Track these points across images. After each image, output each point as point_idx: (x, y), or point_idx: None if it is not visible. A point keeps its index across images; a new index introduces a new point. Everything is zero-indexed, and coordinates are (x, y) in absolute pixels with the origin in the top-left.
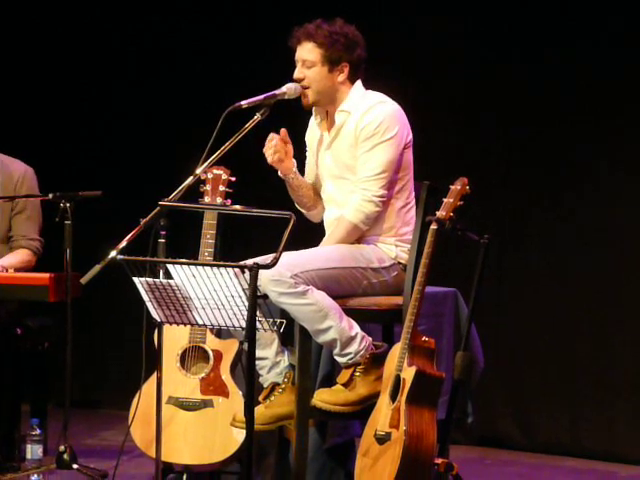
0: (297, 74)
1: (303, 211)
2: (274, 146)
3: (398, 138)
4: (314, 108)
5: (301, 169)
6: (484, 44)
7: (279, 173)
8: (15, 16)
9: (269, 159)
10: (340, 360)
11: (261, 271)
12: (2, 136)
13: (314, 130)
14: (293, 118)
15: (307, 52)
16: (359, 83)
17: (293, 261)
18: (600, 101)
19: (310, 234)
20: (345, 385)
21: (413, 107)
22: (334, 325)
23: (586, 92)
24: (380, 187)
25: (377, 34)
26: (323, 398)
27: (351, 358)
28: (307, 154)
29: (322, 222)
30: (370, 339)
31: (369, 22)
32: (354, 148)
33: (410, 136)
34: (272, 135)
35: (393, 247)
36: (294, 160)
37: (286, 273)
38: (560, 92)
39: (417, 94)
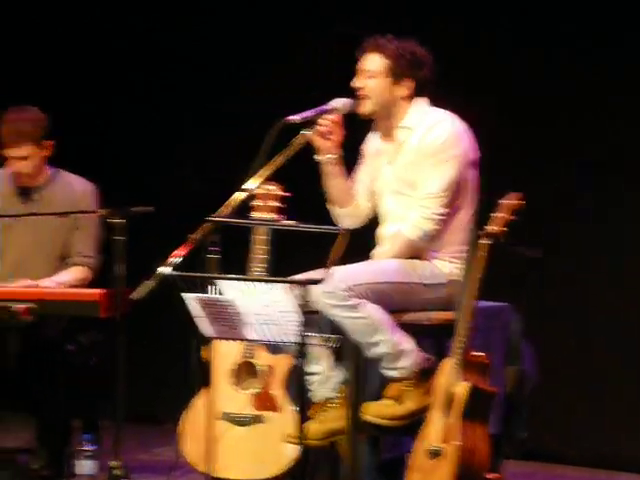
0: (356, 82)
1: (333, 209)
2: (324, 120)
3: (462, 157)
4: (374, 122)
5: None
6: (531, 56)
7: (318, 155)
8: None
9: (320, 129)
10: (389, 374)
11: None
12: (65, 154)
13: (373, 143)
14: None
15: (372, 62)
16: (422, 100)
17: (347, 274)
18: None
19: (361, 249)
20: (394, 399)
21: (469, 122)
22: (385, 339)
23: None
24: (440, 205)
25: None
26: (372, 412)
27: (400, 372)
28: (360, 165)
29: (367, 236)
30: (422, 354)
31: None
32: (415, 165)
33: (476, 154)
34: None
35: (447, 263)
36: (339, 151)
37: (340, 286)
38: (608, 92)
39: (466, 108)
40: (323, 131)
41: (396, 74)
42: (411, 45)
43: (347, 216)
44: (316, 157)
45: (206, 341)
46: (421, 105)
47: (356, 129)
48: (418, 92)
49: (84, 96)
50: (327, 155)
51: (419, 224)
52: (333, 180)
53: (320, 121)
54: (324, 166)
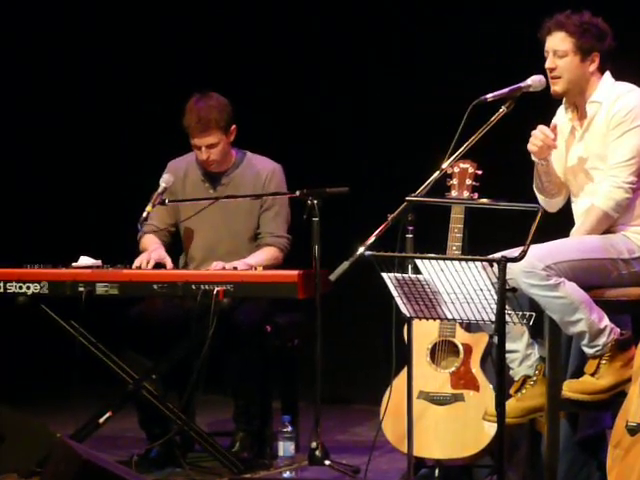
0: (549, 64)
1: (541, 197)
2: (545, 140)
3: None
4: (564, 100)
5: None
6: None
7: (533, 157)
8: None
9: (533, 147)
10: (587, 351)
11: (513, 263)
12: (251, 135)
13: (563, 122)
14: (538, 110)
15: (559, 42)
16: (608, 74)
17: (545, 252)
18: None
19: (557, 226)
20: (592, 375)
21: None
22: (584, 318)
23: None
24: (630, 173)
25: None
26: (571, 388)
27: (599, 350)
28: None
29: (560, 213)
30: (618, 330)
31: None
32: (606, 138)
33: None
34: (544, 128)
35: None
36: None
37: (538, 265)
38: None
39: None
40: (538, 150)
41: (584, 50)
42: (590, 17)
43: (557, 203)
44: (533, 159)
45: (405, 321)
46: (608, 78)
47: (552, 108)
48: (603, 64)
49: (330, 93)
50: (541, 160)
51: (610, 194)
52: (548, 177)
53: (541, 138)
54: (539, 168)
